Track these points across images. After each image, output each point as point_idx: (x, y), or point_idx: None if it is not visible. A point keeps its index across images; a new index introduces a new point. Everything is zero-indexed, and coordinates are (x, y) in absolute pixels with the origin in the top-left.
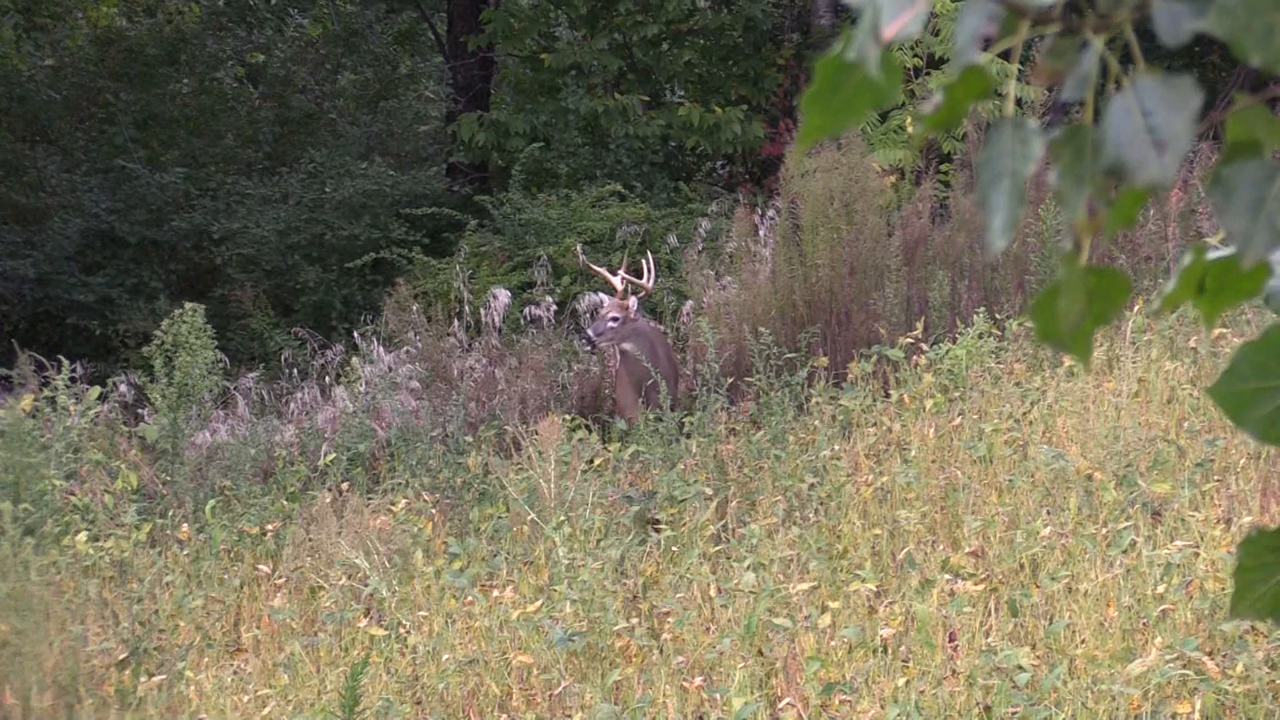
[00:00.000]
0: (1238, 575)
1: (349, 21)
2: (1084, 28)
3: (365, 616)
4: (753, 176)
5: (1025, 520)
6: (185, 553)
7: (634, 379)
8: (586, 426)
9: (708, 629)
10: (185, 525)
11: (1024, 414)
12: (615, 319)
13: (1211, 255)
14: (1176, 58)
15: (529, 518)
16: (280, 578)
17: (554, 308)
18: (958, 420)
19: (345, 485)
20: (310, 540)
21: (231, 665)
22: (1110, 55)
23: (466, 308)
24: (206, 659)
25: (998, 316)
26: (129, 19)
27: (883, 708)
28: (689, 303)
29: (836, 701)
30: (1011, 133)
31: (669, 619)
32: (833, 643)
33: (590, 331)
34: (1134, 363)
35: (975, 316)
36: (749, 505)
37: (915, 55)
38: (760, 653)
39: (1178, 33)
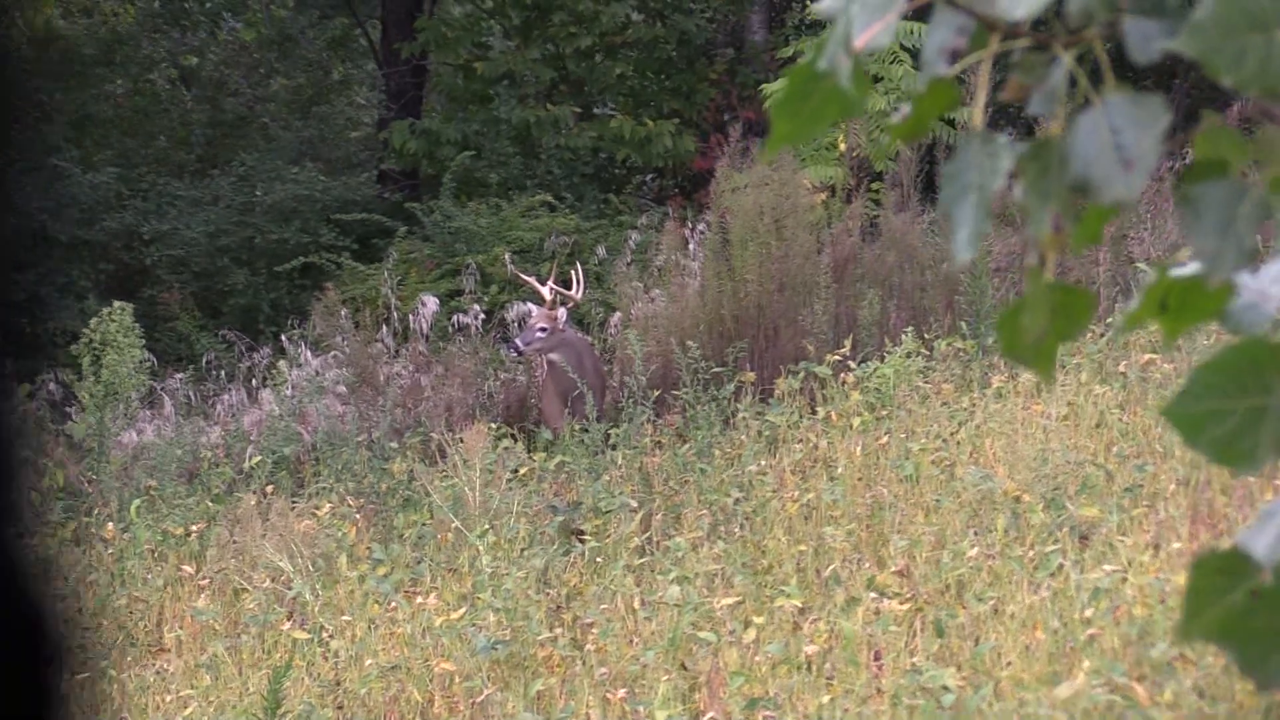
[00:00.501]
0: (1188, 597)
1: (282, 26)
2: (1054, 44)
3: (288, 620)
4: (683, 190)
5: (952, 540)
6: (110, 552)
7: (560, 389)
8: (512, 436)
9: (631, 641)
10: (110, 524)
11: (952, 434)
12: (543, 329)
13: (1175, 274)
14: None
15: (453, 525)
16: (204, 579)
17: (482, 316)
18: (885, 439)
19: (270, 488)
20: (234, 542)
21: (154, 665)
22: (1080, 71)
23: (394, 314)
24: (129, 658)
25: (926, 336)
26: (65, 18)
27: None
28: (617, 315)
29: (760, 717)
30: (980, 146)
31: (593, 630)
32: (757, 658)
33: (518, 341)
34: (1063, 386)
35: (904, 335)
36: (674, 519)
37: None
38: (684, 666)
39: (1148, 51)
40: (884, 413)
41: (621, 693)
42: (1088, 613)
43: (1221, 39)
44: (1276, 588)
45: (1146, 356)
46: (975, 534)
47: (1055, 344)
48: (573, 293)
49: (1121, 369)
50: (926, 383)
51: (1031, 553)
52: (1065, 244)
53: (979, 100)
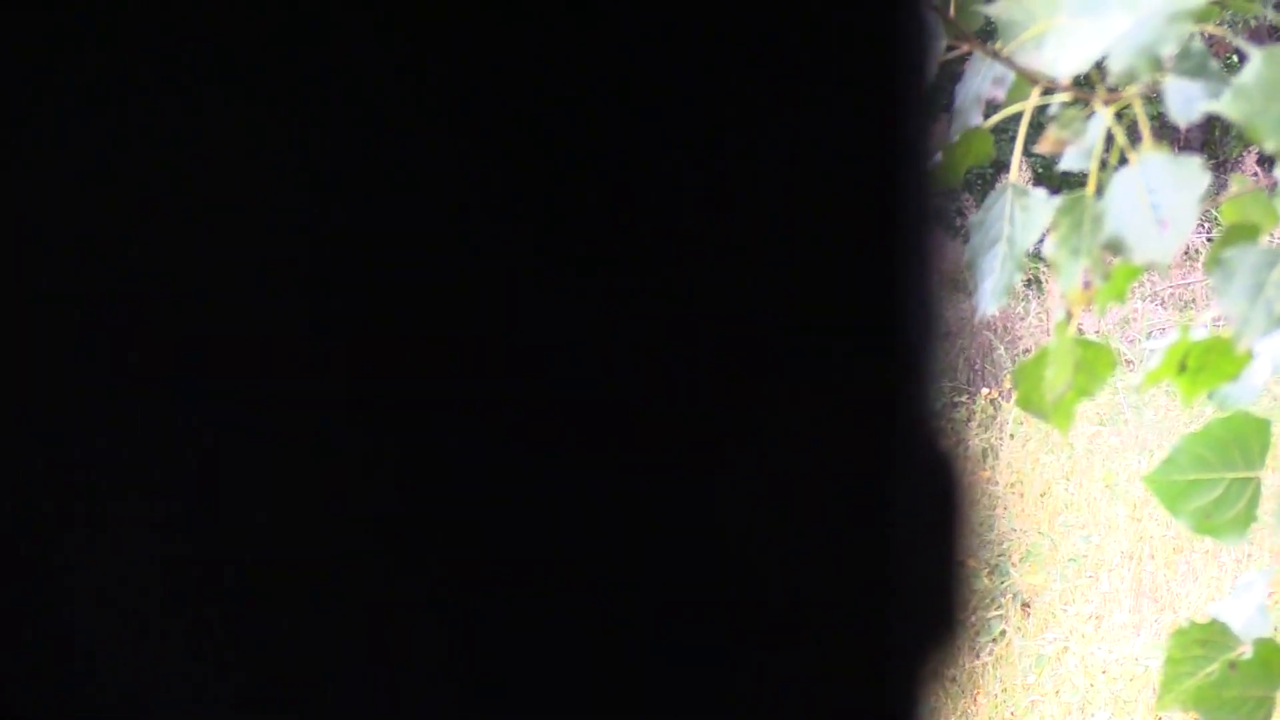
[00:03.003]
0: (1166, 667)
1: None
2: (1094, 100)
3: None
4: None
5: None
6: None
7: None
8: None
9: None
10: None
11: None
12: None
13: (1195, 335)
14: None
15: None
16: None
17: None
18: None
19: None
20: None
21: None
22: (1119, 128)
23: None
24: None
25: None
26: None
27: None
28: None
29: None
30: (1014, 199)
31: None
32: None
33: None
34: (1011, 454)
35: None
36: None
37: None
38: None
39: (1190, 113)
40: None
41: None
42: (1029, 679)
43: (1265, 103)
44: (1254, 660)
45: (1094, 428)
46: None
47: (1075, 399)
48: None
49: (1069, 439)
50: None
51: (974, 618)
52: (1092, 300)
53: (1016, 152)
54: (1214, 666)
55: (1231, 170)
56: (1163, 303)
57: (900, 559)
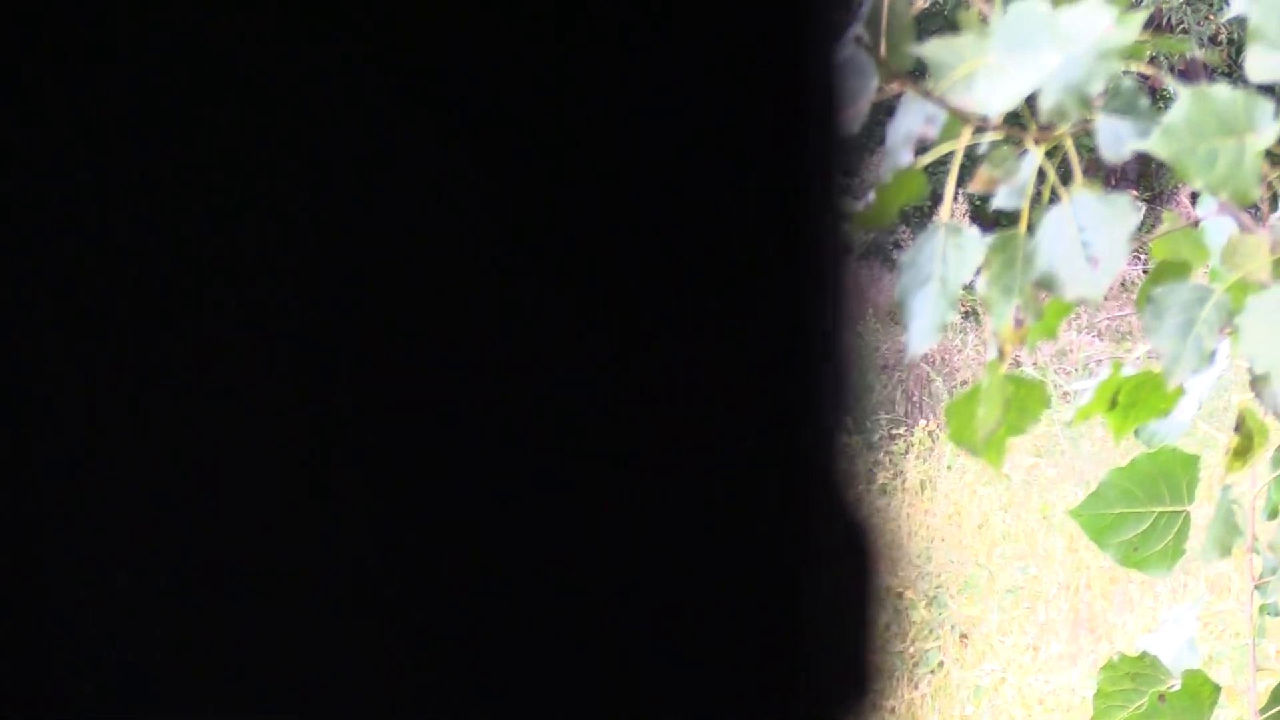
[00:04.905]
0: (1096, 700)
1: None
2: (1026, 138)
3: None
4: None
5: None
6: None
7: None
8: None
9: None
10: None
11: None
12: None
13: (1126, 371)
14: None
15: None
16: None
17: None
18: None
19: None
20: None
21: None
22: (1049, 166)
23: None
24: None
25: None
26: None
27: None
28: None
29: None
30: (946, 237)
31: None
32: None
33: None
34: (949, 485)
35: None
36: None
37: None
38: None
39: (1120, 151)
40: None
41: None
42: (967, 710)
43: (1194, 141)
44: (1183, 692)
45: (1031, 460)
46: None
47: (1005, 436)
48: None
49: (1006, 471)
50: None
51: (912, 648)
52: (1024, 338)
53: (948, 191)
54: (1144, 700)
55: (1168, 202)
56: (1100, 334)
57: (812, 627)
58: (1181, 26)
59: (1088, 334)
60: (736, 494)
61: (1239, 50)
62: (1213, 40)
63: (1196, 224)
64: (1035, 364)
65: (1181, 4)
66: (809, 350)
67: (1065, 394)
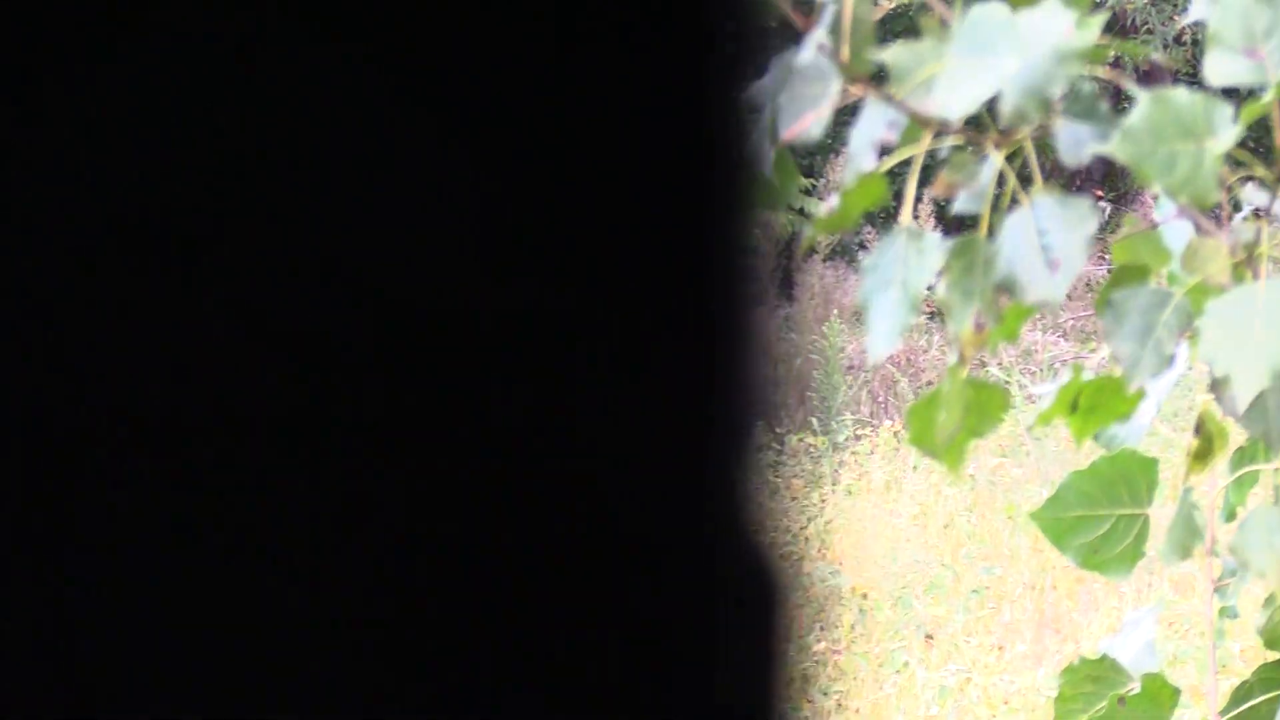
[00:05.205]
0: (1057, 704)
1: None
2: (985, 142)
3: None
4: None
5: (796, 634)
6: None
7: None
8: None
9: None
10: None
11: (800, 529)
12: None
13: (1086, 375)
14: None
15: None
16: None
17: None
18: None
19: None
20: None
21: None
22: (1009, 170)
23: None
24: None
25: (778, 430)
26: None
27: None
28: None
29: None
30: (907, 242)
31: None
32: None
33: None
34: (915, 486)
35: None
36: None
37: None
38: None
39: (1079, 154)
40: None
41: None
42: (933, 710)
43: (1153, 145)
44: (1142, 695)
45: (996, 460)
46: (821, 629)
47: (966, 440)
48: None
49: (971, 472)
50: (776, 477)
51: (878, 649)
52: (985, 342)
53: (908, 195)
54: (1103, 703)
55: (1134, 204)
56: (1065, 334)
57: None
58: (1146, 27)
59: (1053, 334)
60: (634, 539)
61: (1203, 52)
62: (1177, 40)
63: (1155, 227)
64: (1000, 364)
65: (1146, 4)
66: (711, 390)
67: (1029, 396)
